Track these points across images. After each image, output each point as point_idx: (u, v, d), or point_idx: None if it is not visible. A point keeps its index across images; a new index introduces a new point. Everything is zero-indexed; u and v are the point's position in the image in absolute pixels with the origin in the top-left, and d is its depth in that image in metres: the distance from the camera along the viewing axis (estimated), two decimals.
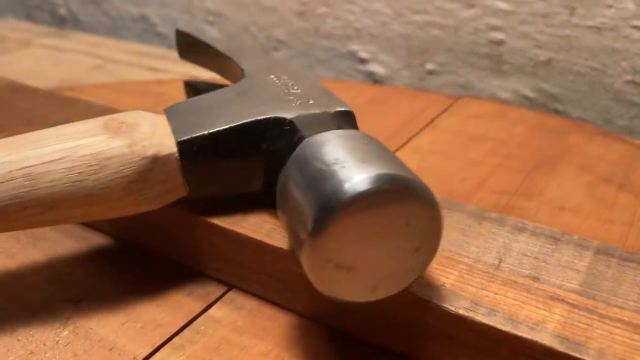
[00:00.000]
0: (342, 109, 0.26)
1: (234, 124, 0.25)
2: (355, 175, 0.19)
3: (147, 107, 0.29)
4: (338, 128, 0.24)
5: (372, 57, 0.63)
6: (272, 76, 0.30)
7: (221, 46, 0.35)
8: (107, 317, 0.25)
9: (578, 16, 0.51)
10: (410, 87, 0.62)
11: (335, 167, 0.20)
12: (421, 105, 0.45)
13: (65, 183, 0.24)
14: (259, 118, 0.25)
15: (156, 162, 0.24)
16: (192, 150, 0.25)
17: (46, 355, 0.23)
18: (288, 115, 0.25)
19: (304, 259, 0.19)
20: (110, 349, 0.24)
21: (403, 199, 0.19)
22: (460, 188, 0.34)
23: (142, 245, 0.30)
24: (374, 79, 0.64)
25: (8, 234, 0.30)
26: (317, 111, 0.25)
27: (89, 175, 0.24)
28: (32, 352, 0.23)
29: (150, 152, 0.24)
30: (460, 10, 0.56)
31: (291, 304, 0.26)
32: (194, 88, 0.36)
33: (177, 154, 0.25)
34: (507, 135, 0.40)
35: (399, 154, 0.38)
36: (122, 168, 0.24)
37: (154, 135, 0.25)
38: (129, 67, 0.63)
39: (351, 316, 0.24)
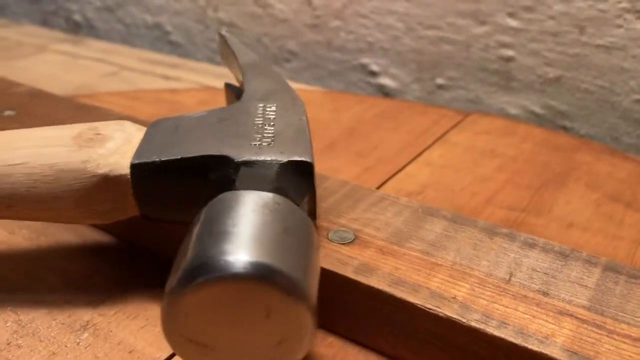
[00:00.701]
0: (300, 158, 0.24)
1: (185, 156, 0.25)
2: (214, 255, 0.18)
3: (162, 115, 0.30)
4: (283, 180, 0.24)
5: (383, 70, 0.64)
6: (261, 105, 0.29)
7: (243, 57, 0.35)
8: (127, 320, 0.26)
9: (588, 35, 0.52)
10: (420, 100, 0.63)
11: (210, 239, 0.19)
12: (432, 120, 0.45)
13: (23, 187, 0.25)
14: (210, 154, 0.24)
15: (106, 181, 0.25)
16: (143, 174, 0.25)
17: (67, 356, 0.24)
18: (238, 157, 0.24)
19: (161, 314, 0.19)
20: (130, 352, 0.24)
21: (262, 289, 0.18)
22: (470, 203, 0.35)
23: (161, 250, 0.30)
24: (384, 92, 0.65)
25: (31, 238, 0.31)
26: (269, 158, 0.24)
27: (43, 183, 0.25)
28: (54, 353, 0.24)
29: (102, 170, 0.25)
30: (471, 26, 0.57)
31: None
32: (232, 90, 0.36)
33: (129, 176, 0.25)
34: (516, 152, 0.41)
35: (410, 168, 0.39)
36: (74, 182, 0.25)
37: (115, 154, 0.25)
38: (142, 75, 0.64)
39: (359, 323, 0.25)
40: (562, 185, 0.37)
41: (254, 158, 0.24)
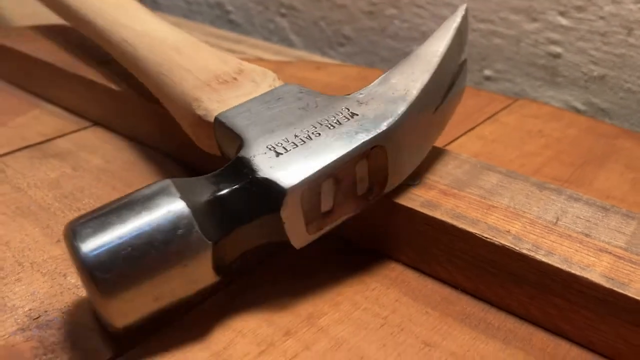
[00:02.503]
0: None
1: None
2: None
3: None
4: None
5: None
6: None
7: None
8: None
9: (635, 37, 0.55)
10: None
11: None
12: (483, 102, 0.49)
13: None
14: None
15: (201, 121, 0.30)
16: (220, 128, 0.28)
17: None
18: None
19: None
20: None
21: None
22: (519, 172, 0.38)
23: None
24: None
25: None
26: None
27: (172, 93, 0.33)
28: None
29: (200, 112, 0.30)
30: (523, 22, 0.60)
31: None
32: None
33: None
34: (561, 135, 0.44)
35: (462, 140, 0.42)
36: (187, 111, 0.31)
37: (223, 102, 0.29)
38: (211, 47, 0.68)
39: (421, 251, 0.29)
40: (603, 164, 0.40)
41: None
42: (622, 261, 0.25)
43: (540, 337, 0.26)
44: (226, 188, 0.24)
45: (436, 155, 0.33)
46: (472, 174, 0.31)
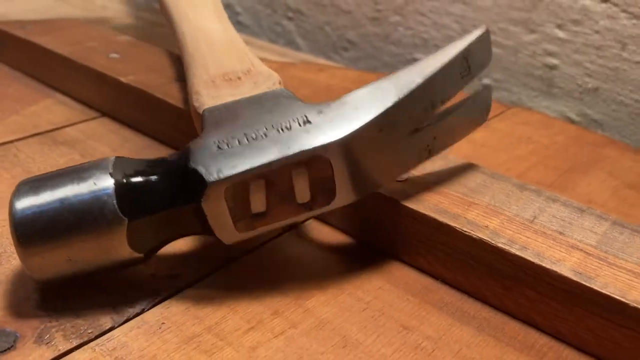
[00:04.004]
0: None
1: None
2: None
3: None
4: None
5: None
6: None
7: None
8: None
9: (629, 51, 0.56)
10: None
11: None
12: None
13: None
14: None
15: (196, 112, 0.31)
16: (206, 120, 0.29)
17: None
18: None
19: None
20: None
21: None
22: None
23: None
24: None
25: None
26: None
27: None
28: None
29: (196, 103, 0.31)
30: (522, 34, 0.62)
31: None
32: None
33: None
34: (550, 141, 0.46)
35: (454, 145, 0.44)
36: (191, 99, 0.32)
37: (217, 97, 0.31)
38: None
39: (405, 243, 0.31)
40: (587, 171, 0.42)
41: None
42: (591, 257, 0.27)
43: (512, 326, 0.27)
44: (156, 172, 0.26)
45: None
46: (457, 173, 0.33)
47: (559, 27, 0.60)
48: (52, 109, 0.46)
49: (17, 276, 0.28)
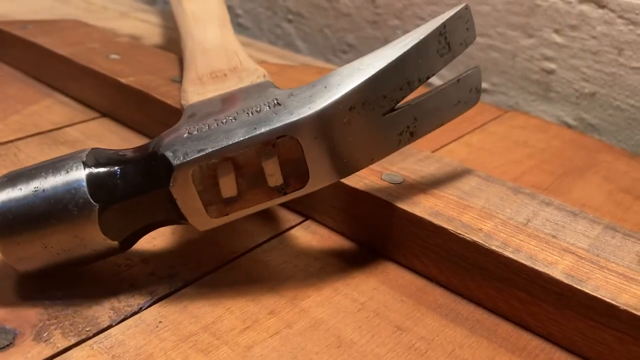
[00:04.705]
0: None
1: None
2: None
3: None
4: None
5: None
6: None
7: None
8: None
9: (625, 57, 0.57)
10: None
11: None
12: (474, 112, 0.51)
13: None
14: None
15: (182, 107, 0.32)
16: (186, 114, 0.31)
17: None
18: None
19: None
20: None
21: None
22: (501, 178, 0.40)
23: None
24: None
25: None
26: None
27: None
28: None
29: (182, 101, 0.32)
30: (519, 38, 0.63)
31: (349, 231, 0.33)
32: None
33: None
34: (546, 145, 0.46)
35: (451, 146, 0.44)
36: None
37: (202, 94, 0.32)
38: None
39: (400, 245, 0.31)
40: (582, 175, 0.42)
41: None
42: (583, 261, 0.27)
43: (505, 328, 0.28)
44: (127, 160, 0.27)
45: (421, 158, 0.35)
46: (452, 176, 0.33)
47: (557, 32, 0.60)
48: (53, 108, 0.46)
49: (16, 274, 0.29)
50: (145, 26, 0.77)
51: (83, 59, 0.46)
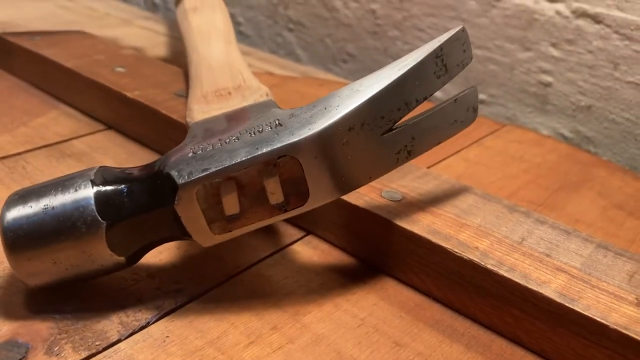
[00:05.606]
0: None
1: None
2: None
3: None
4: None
5: None
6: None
7: None
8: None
9: (620, 71, 0.58)
10: None
11: None
12: (471, 126, 0.52)
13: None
14: None
15: (187, 125, 0.33)
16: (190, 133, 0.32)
17: None
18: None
19: None
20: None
21: None
22: (497, 194, 0.41)
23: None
24: (430, 100, 0.72)
25: None
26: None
27: None
28: None
29: (188, 118, 0.33)
30: (517, 51, 0.64)
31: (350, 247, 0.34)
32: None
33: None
34: (542, 160, 0.47)
35: (448, 161, 0.45)
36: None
37: (206, 113, 0.33)
38: None
39: (399, 261, 0.32)
40: (577, 191, 0.43)
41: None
42: (575, 280, 0.28)
43: (500, 344, 0.29)
44: (134, 179, 0.28)
45: (419, 175, 0.36)
46: (450, 194, 0.34)
47: (554, 45, 0.61)
48: (59, 120, 0.47)
49: (26, 288, 0.29)
50: (148, 34, 0.78)
51: (89, 72, 0.47)
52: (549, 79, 0.63)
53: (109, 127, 0.47)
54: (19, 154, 0.42)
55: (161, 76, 0.48)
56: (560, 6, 0.60)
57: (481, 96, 0.68)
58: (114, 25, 0.81)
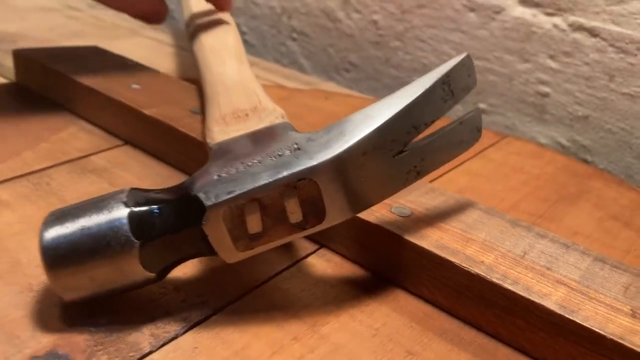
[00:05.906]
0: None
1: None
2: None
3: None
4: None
5: None
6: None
7: None
8: None
9: (616, 83, 0.60)
10: None
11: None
12: None
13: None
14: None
15: (207, 145, 0.35)
16: (213, 154, 0.33)
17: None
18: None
19: None
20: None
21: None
22: (499, 206, 0.43)
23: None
24: None
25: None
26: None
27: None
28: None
29: (207, 139, 0.35)
30: (516, 62, 0.66)
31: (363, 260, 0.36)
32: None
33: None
34: (540, 172, 0.49)
35: (451, 174, 0.48)
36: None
37: (226, 133, 0.35)
38: None
39: (409, 274, 0.34)
40: (574, 202, 0.45)
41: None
42: (574, 292, 0.30)
43: (504, 352, 0.31)
44: (164, 200, 0.30)
45: (426, 191, 0.38)
46: (456, 209, 0.36)
47: (551, 57, 0.64)
48: (78, 136, 0.49)
49: (61, 302, 0.31)
50: (156, 45, 0.80)
51: (106, 89, 0.49)
52: (546, 89, 0.65)
53: (126, 142, 0.49)
54: (42, 169, 0.44)
55: (175, 93, 0.50)
56: (557, 20, 0.62)
57: (481, 105, 0.70)
58: (121, 36, 0.83)
